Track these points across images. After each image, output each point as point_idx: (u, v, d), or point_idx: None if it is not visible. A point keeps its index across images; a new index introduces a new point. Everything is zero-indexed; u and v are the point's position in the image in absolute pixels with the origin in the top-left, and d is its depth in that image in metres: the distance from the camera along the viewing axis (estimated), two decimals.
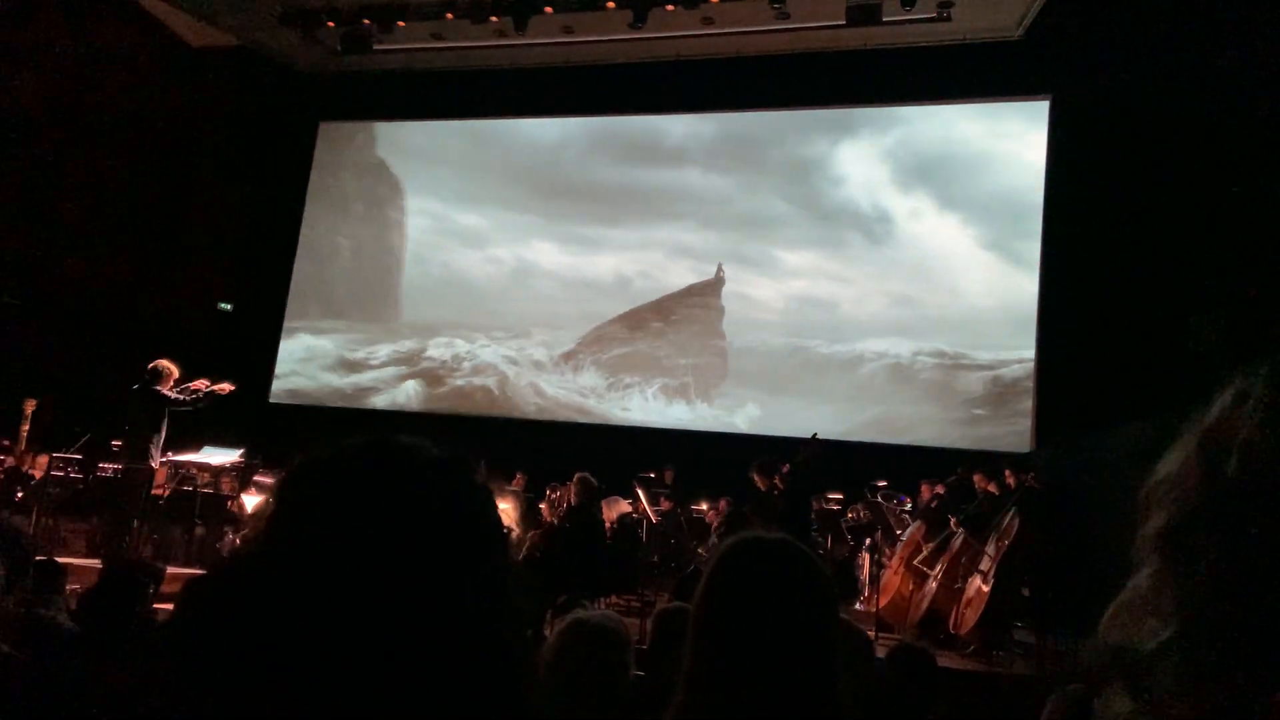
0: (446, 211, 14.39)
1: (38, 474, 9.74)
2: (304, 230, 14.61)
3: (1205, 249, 9.69)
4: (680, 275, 13.39)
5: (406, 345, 13.98)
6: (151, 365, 8.37)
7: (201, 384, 8.53)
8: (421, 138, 14.70)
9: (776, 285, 12.98)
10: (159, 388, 8.29)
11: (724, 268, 13.24)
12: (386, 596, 0.72)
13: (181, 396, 8.36)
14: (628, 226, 13.70)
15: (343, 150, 15.04)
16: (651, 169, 13.85)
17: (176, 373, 8.45)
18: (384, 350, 14.06)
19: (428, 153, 14.56)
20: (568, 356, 13.50)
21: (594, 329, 13.53)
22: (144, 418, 8.25)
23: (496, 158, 14.21)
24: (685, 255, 13.44)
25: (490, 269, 14.09)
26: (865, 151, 12.79)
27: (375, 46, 12.64)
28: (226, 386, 8.59)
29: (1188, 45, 9.79)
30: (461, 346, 13.73)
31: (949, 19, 10.92)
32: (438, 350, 13.81)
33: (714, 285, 13.29)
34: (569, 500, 8.15)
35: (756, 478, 8.19)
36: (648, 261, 13.56)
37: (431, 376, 13.79)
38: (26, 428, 10.31)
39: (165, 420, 8.33)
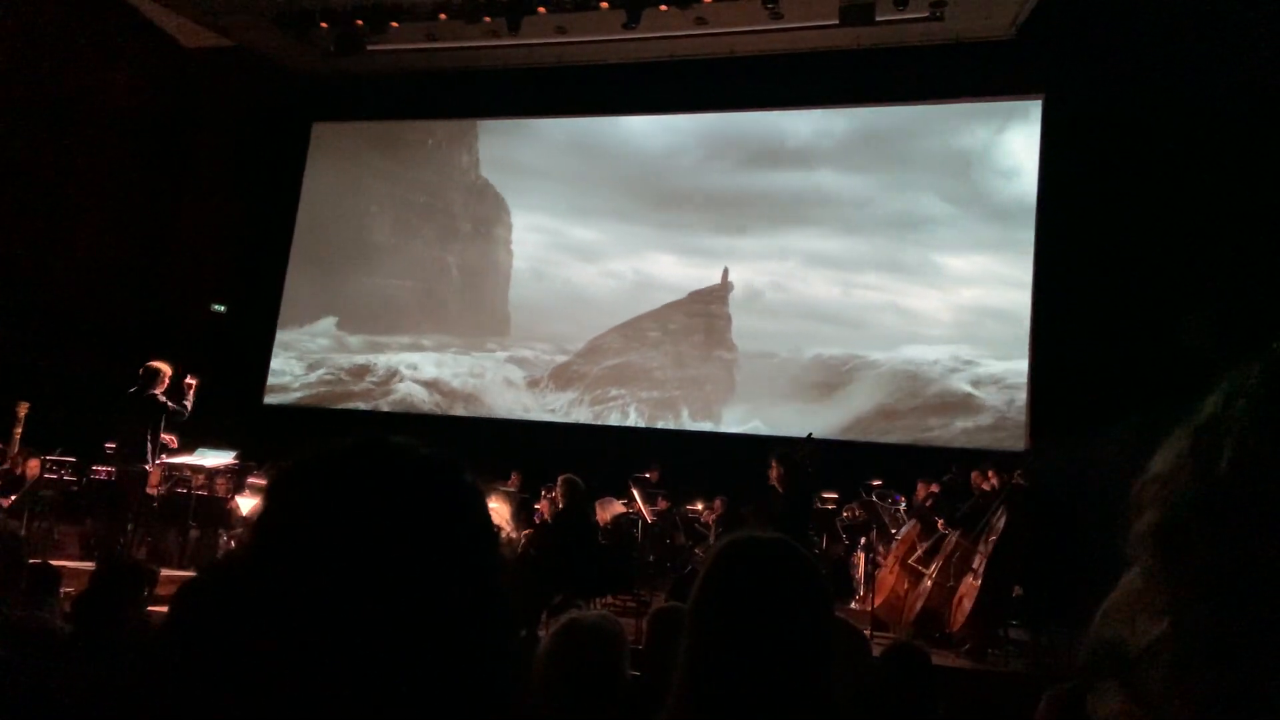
0: (559, 226, 14.02)
1: (30, 476, 9.70)
2: (416, 248, 14.45)
3: (1198, 248, 9.72)
4: (821, 285, 12.64)
5: (506, 355, 13.80)
6: (145, 368, 8.35)
7: (192, 381, 8.54)
8: (527, 154, 14.34)
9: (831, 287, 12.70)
10: (154, 390, 8.27)
11: (729, 272, 13.02)
12: (378, 597, 0.72)
13: (174, 406, 8.34)
14: (754, 235, 12.99)
15: (360, 154, 14.97)
16: (776, 172, 13.10)
17: (170, 374, 8.43)
18: (487, 363, 13.82)
19: (536, 169, 14.19)
20: (560, 370, 13.42)
21: (590, 340, 13.42)
22: (139, 420, 8.23)
23: (605, 170, 13.81)
24: (826, 264, 12.66)
25: (610, 283, 13.63)
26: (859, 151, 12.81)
27: (368, 47, 12.62)
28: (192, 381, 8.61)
29: (1180, 44, 9.83)
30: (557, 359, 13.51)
31: (941, 18, 10.94)
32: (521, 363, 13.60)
33: (719, 291, 13.04)
34: (557, 503, 8.14)
35: (773, 464, 8.11)
36: (781, 271, 12.84)
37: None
38: (19, 430, 10.28)
39: (161, 423, 8.32)
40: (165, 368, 8.39)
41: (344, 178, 14.74)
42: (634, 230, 13.61)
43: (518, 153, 14.40)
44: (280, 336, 14.42)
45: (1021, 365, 11.37)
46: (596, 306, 13.52)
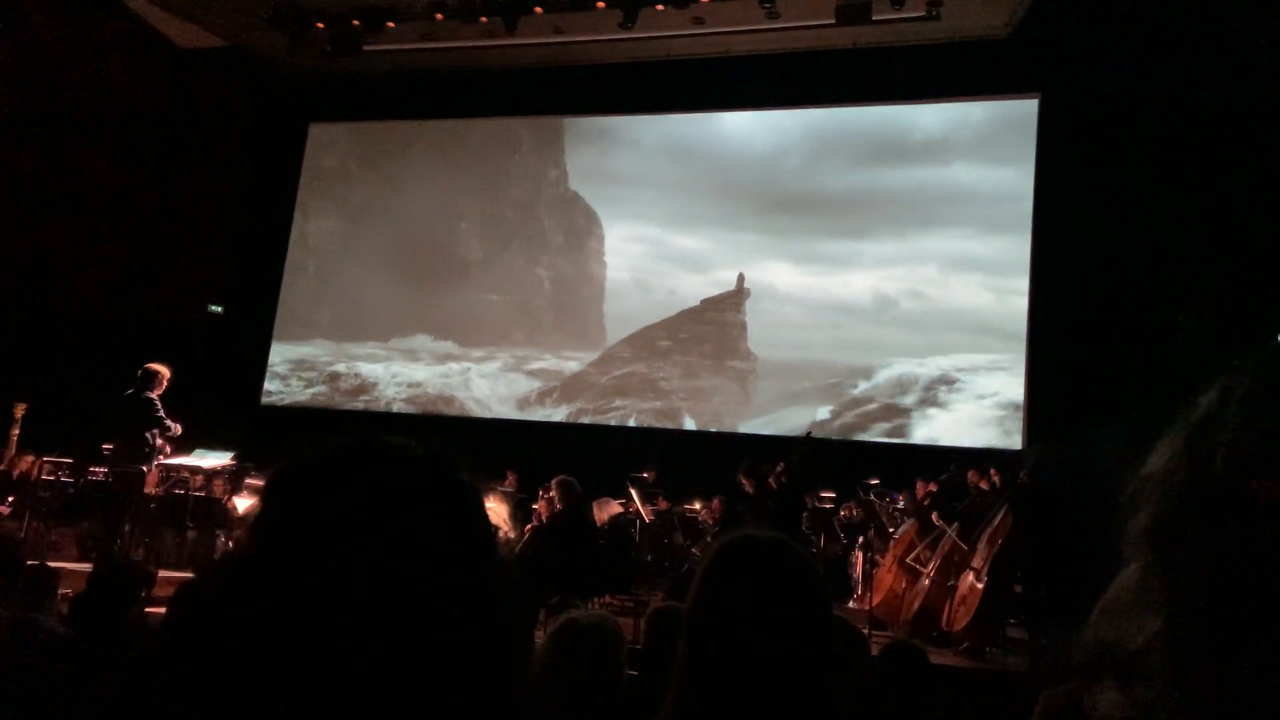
0: (660, 235, 13.55)
1: (28, 478, 9.69)
2: (506, 261, 14.13)
3: (1195, 247, 9.74)
4: (969, 291, 11.92)
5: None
6: (143, 369, 8.34)
7: (177, 428, 8.49)
8: (620, 163, 13.94)
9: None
10: (151, 392, 8.26)
11: (745, 277, 12.85)
12: (375, 598, 0.72)
13: (165, 420, 8.31)
14: (882, 238, 12.22)
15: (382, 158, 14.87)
16: (902, 168, 12.39)
17: (168, 376, 8.41)
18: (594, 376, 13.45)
19: (630, 177, 13.77)
20: (573, 379, 13.35)
21: (603, 352, 13.31)
22: (136, 422, 8.22)
23: (705, 175, 13.28)
24: (972, 267, 11.91)
25: (718, 293, 13.01)
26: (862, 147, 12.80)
27: (365, 48, 12.61)
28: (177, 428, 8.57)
29: (1177, 42, 9.84)
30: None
31: (938, 17, 10.95)
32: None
33: (734, 298, 12.89)
34: (554, 505, 8.14)
35: (744, 481, 8.21)
36: (917, 278, 12.09)
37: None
38: (17, 431, 10.26)
39: (157, 425, 8.30)
40: (164, 370, 8.38)
41: (435, 195, 14.42)
42: (742, 238, 13.02)
43: (610, 162, 14.03)
44: (359, 349, 14.26)
45: (1018, 364, 11.38)
46: (905, 326, 12.40)
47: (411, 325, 14.07)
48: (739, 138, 13.38)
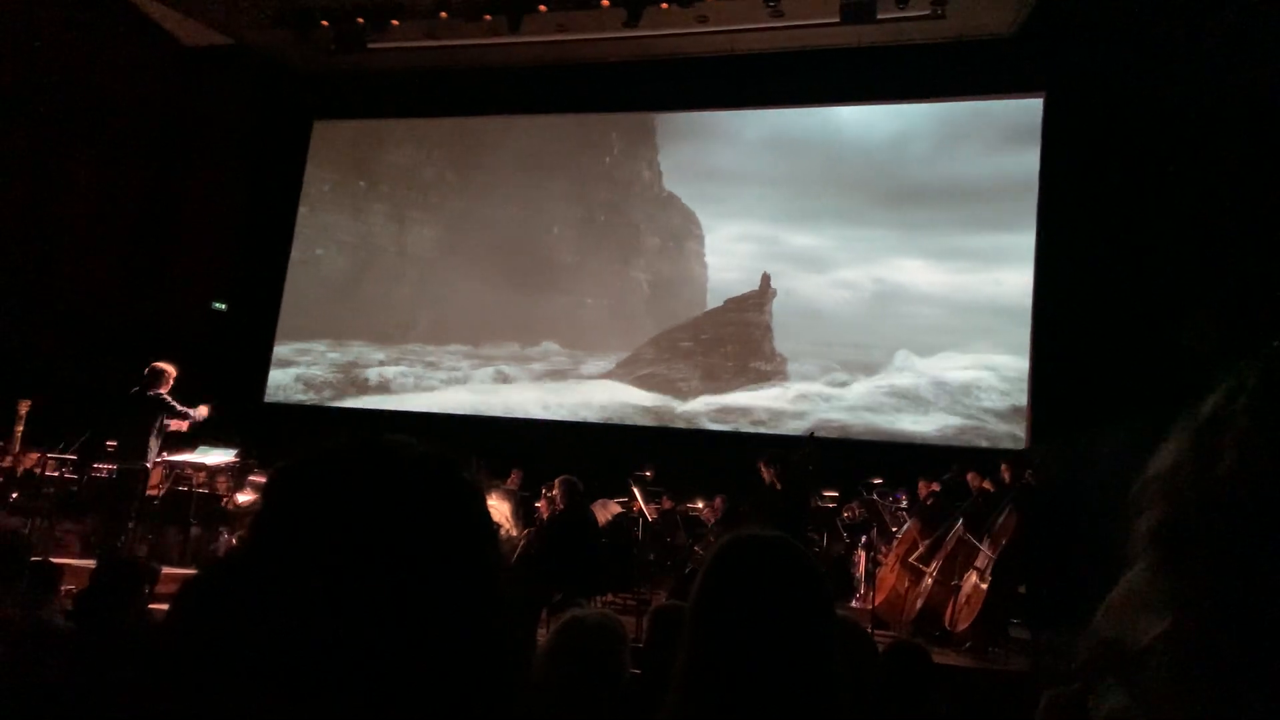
0: (774, 233, 12.84)
1: (34, 474, 9.72)
2: (599, 265, 13.77)
3: (1200, 246, 9.72)
4: (971, 289, 11.72)
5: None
6: (149, 368, 8.37)
7: (203, 411, 8.52)
8: (721, 158, 13.39)
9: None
10: (159, 390, 8.29)
11: (770, 276, 12.68)
12: (375, 596, 0.72)
13: (181, 408, 8.35)
14: (1032, 230, 11.47)
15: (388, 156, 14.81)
16: (906, 164, 12.07)
17: (174, 374, 8.44)
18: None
19: (734, 173, 13.21)
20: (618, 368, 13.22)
21: (633, 352, 13.19)
22: (140, 419, 8.24)
23: (819, 167, 12.70)
24: (973, 265, 11.57)
25: (844, 294, 12.37)
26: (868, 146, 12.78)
27: (369, 45, 12.62)
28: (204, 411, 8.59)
29: (1182, 41, 9.81)
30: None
31: (943, 16, 10.93)
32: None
33: (757, 298, 12.76)
34: (556, 505, 8.14)
35: (763, 468, 8.17)
36: (921, 275, 11.78)
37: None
38: (21, 428, 10.29)
39: (161, 422, 8.33)
40: (170, 369, 8.42)
41: (526, 200, 14.07)
42: (868, 234, 12.31)
43: (710, 158, 13.51)
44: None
45: (1023, 363, 11.36)
46: (830, 319, 12.37)
47: (507, 331, 13.73)
48: (853, 126, 12.80)
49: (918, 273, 12.01)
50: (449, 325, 13.92)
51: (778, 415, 12.31)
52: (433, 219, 14.45)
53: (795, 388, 12.37)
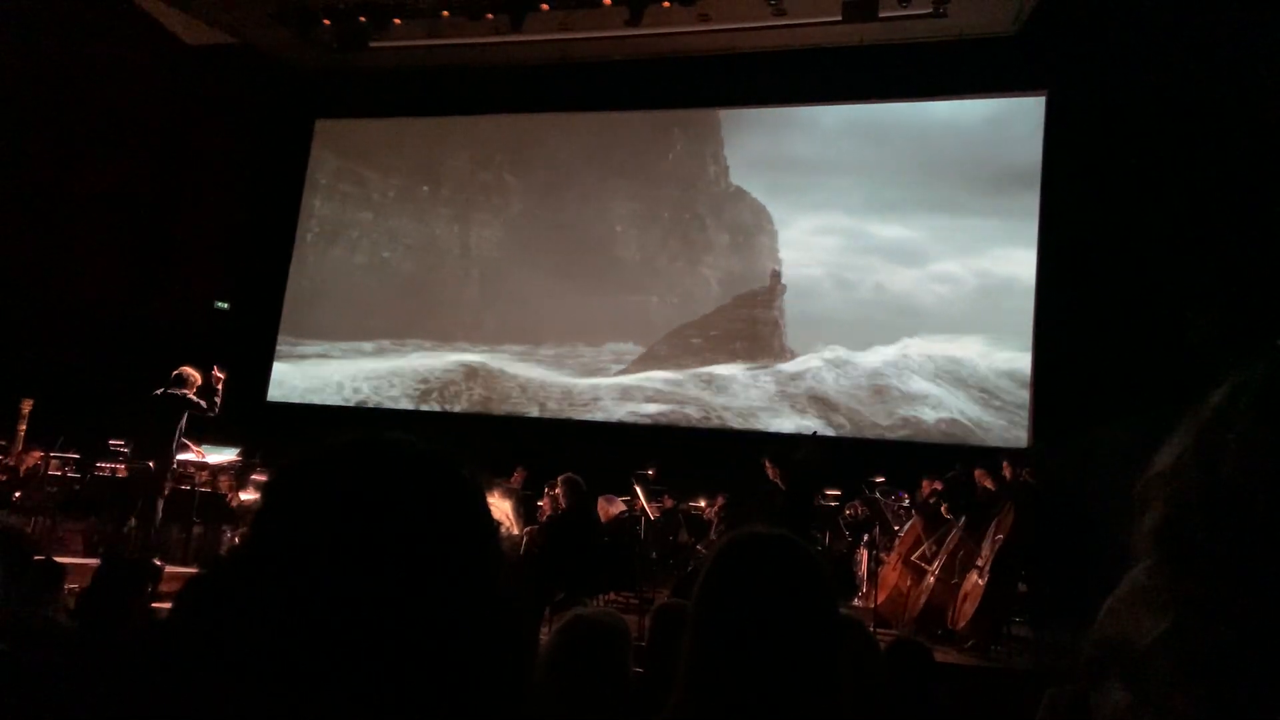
0: (858, 225, 12.39)
1: (37, 473, 9.73)
2: (664, 263, 13.42)
3: (1202, 244, 9.71)
4: (970, 286, 11.59)
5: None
6: (176, 372, 8.47)
7: (220, 375, 8.63)
8: (796, 148, 12.87)
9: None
10: (184, 392, 8.37)
11: (780, 273, 12.58)
12: (376, 594, 0.72)
13: (204, 404, 8.43)
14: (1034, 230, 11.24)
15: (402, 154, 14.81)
16: (913, 154, 11.86)
17: (199, 380, 8.52)
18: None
19: (811, 163, 12.70)
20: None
21: (650, 348, 13.09)
22: (167, 422, 8.33)
23: (906, 154, 12.19)
24: (976, 262, 11.43)
25: (942, 288, 11.93)
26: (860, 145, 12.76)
27: (371, 44, 12.63)
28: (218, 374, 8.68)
29: (1184, 39, 9.80)
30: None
31: (944, 14, 10.92)
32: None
33: (766, 295, 12.70)
34: (559, 504, 8.14)
35: (768, 465, 8.16)
36: (925, 270, 11.62)
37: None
38: (23, 427, 10.31)
39: (183, 424, 8.44)
40: (196, 374, 8.50)
41: (589, 199, 13.81)
42: (965, 223, 11.79)
43: (784, 148, 12.97)
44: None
45: (1025, 362, 11.35)
46: (925, 315, 11.90)
47: (572, 331, 13.46)
48: (938, 108, 12.36)
49: (1025, 265, 11.51)
50: (513, 325, 13.71)
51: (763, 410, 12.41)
52: (495, 220, 14.22)
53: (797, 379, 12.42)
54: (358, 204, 14.69)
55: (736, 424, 12.39)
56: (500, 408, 13.37)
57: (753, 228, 13.21)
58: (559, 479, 7.95)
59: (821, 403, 12.19)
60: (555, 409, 13.15)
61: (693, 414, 12.65)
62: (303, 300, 14.58)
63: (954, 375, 11.71)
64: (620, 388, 13.10)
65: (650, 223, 13.66)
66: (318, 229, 14.74)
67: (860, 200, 12.46)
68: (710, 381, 12.75)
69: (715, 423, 12.48)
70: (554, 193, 14.00)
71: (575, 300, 13.55)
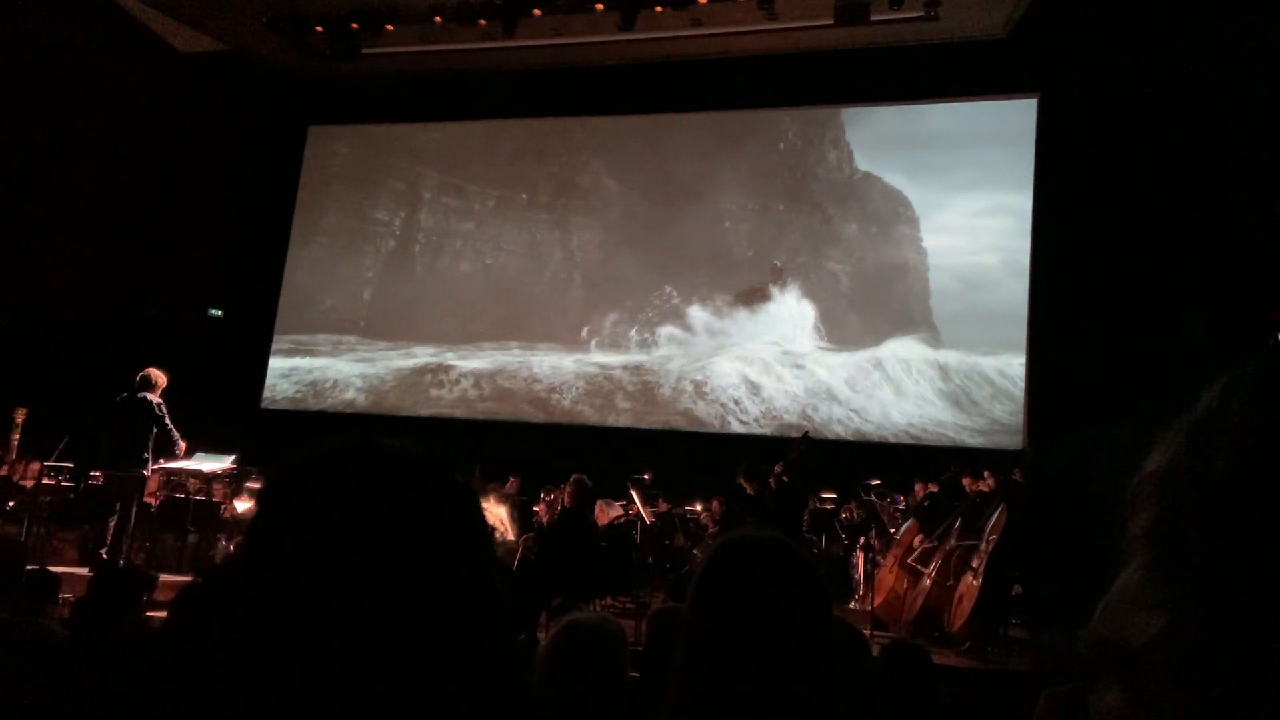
0: (1028, 205, 11.49)
1: (29, 483, 9.69)
2: (781, 256, 12.71)
3: (1194, 246, 9.74)
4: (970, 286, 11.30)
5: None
6: (142, 374, 8.32)
7: (182, 447, 8.47)
8: (940, 124, 12.04)
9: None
10: (151, 395, 8.22)
11: (779, 264, 12.16)
12: (371, 601, 0.72)
13: (172, 427, 8.25)
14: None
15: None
16: (906, 161, 11.69)
17: (165, 381, 8.38)
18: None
19: (961, 140, 11.81)
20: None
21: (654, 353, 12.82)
22: (135, 426, 8.18)
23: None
24: (973, 261, 11.11)
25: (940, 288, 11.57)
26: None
27: (364, 50, 12.62)
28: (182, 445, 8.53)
29: (1175, 42, 9.84)
30: None
31: (936, 18, 10.96)
32: None
33: (761, 290, 12.47)
34: (563, 502, 8.15)
35: (744, 483, 8.21)
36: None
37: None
38: (17, 436, 10.27)
39: (154, 429, 8.25)
40: (160, 375, 8.34)
41: (693, 196, 13.24)
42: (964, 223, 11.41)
43: (921, 125, 12.06)
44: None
45: (1019, 364, 11.37)
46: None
47: (679, 331, 12.98)
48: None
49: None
50: (619, 328, 13.26)
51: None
52: (595, 223, 13.78)
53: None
54: (460, 215, 14.29)
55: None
56: (607, 416, 12.87)
57: (887, 215, 12.28)
58: (572, 478, 7.93)
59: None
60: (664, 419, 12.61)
61: (826, 419, 11.97)
62: (299, 302, 14.46)
63: (947, 377, 11.72)
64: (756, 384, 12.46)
65: (762, 217, 12.89)
66: (424, 240, 14.34)
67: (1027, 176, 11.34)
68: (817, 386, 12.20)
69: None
70: (655, 192, 13.46)
71: (684, 302, 12.97)
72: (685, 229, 13.16)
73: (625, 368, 13.05)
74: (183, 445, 8.41)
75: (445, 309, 13.89)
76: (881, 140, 12.42)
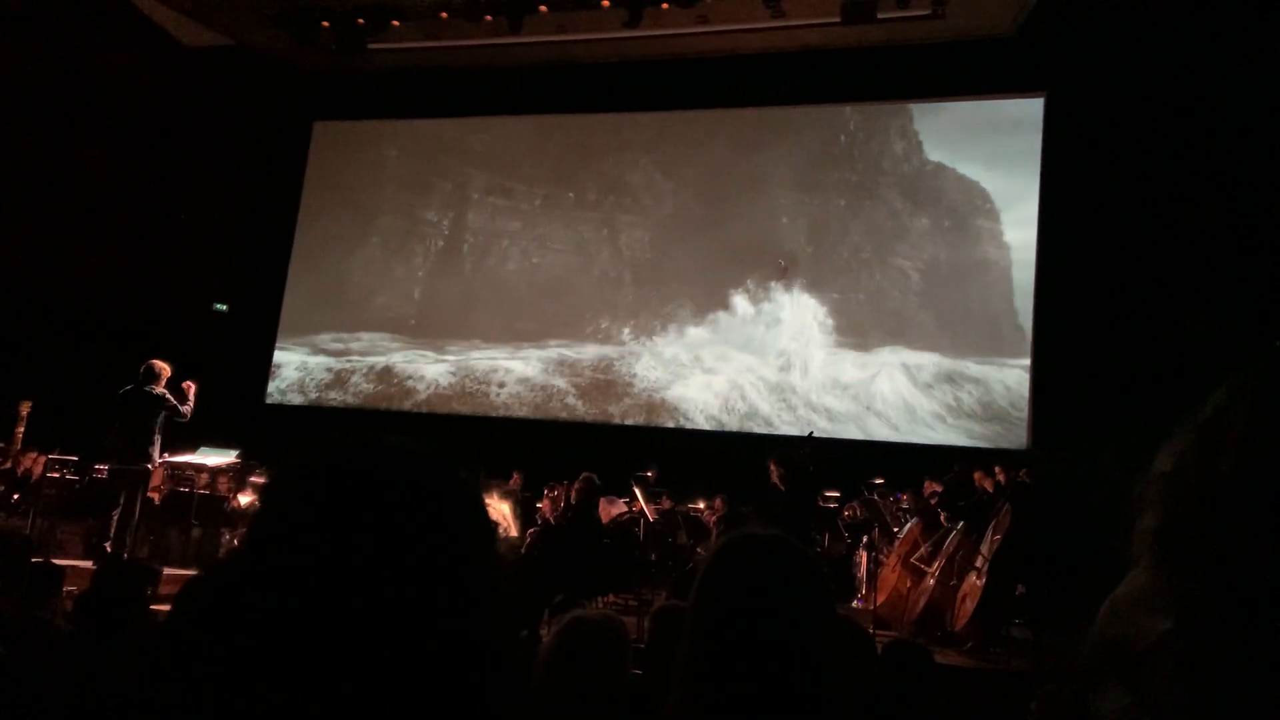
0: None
1: (37, 472, 9.72)
2: (843, 255, 12.23)
3: (1201, 246, 9.71)
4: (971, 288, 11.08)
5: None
6: (146, 365, 8.34)
7: (190, 384, 8.50)
8: (1020, 110, 11.65)
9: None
10: (156, 388, 8.24)
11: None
12: (374, 596, 0.72)
13: (177, 403, 8.30)
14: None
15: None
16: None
17: (169, 373, 8.41)
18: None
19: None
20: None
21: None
22: (140, 418, 8.20)
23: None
24: (975, 263, 10.85)
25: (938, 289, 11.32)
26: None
27: (370, 46, 12.63)
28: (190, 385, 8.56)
29: (1182, 40, 9.81)
30: None
31: (943, 16, 10.93)
32: None
33: (769, 293, 12.29)
34: (568, 499, 8.16)
35: (773, 466, 8.14)
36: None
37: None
38: (21, 429, 10.30)
39: (161, 420, 8.28)
40: (165, 367, 8.37)
41: (745, 191, 12.83)
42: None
43: (1003, 108, 11.47)
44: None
45: (1024, 365, 11.34)
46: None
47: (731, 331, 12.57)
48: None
49: None
50: (668, 327, 12.87)
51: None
52: (646, 221, 13.37)
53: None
54: (508, 215, 14.01)
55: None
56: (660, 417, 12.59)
57: (963, 208, 11.70)
58: (581, 475, 7.92)
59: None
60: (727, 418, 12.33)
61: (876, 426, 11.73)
62: (356, 300, 14.21)
63: (952, 379, 11.70)
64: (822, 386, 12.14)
65: (824, 212, 12.33)
66: (471, 240, 14.10)
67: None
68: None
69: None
70: (707, 189, 13.02)
71: (741, 299, 12.50)
72: (740, 225, 12.70)
73: (675, 364, 12.78)
74: (190, 392, 8.43)
75: (493, 307, 13.68)
76: (955, 129, 11.81)
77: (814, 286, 12.26)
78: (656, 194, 13.37)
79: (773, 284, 12.41)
